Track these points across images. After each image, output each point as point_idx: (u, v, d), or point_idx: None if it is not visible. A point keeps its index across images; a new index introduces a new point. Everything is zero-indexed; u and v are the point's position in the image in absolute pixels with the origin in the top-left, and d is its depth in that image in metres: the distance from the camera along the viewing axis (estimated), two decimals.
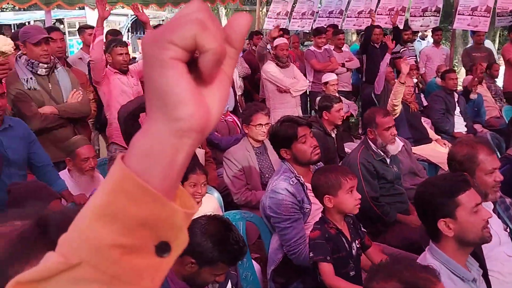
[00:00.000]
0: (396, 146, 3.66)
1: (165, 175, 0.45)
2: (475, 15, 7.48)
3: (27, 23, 15.25)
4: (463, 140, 2.78)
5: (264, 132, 3.89)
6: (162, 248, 0.46)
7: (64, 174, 3.52)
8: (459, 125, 5.87)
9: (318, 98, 4.95)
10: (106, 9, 4.53)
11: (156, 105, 0.44)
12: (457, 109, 5.90)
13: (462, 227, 1.91)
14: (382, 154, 3.65)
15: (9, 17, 15.85)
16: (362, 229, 2.84)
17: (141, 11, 4.95)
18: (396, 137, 4.30)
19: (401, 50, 7.96)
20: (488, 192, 2.43)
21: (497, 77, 7.18)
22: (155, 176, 0.44)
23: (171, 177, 0.45)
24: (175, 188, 0.47)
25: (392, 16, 7.54)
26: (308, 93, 7.33)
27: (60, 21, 15.44)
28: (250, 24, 0.48)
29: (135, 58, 8.26)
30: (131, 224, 0.44)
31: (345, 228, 2.58)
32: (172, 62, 0.43)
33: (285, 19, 9.95)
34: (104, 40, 4.64)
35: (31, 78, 3.75)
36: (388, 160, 3.68)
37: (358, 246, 2.60)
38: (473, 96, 6.26)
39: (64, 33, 13.95)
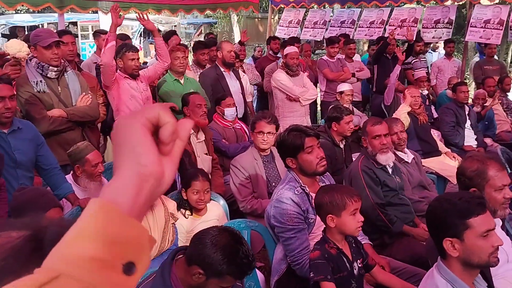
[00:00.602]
0: (387, 157, 3.61)
1: (132, 205, 0.57)
2: (488, 28, 7.44)
3: (40, 26, 15.39)
4: (474, 155, 2.74)
5: (265, 140, 3.87)
6: (129, 267, 0.55)
7: (68, 180, 3.53)
8: (470, 139, 5.82)
9: (330, 108, 4.94)
10: (120, 14, 4.55)
11: (127, 155, 0.59)
12: (468, 122, 5.86)
13: (468, 249, 1.88)
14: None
15: (25, 19, 16.01)
16: (366, 247, 2.81)
17: (146, 18, 4.94)
18: (406, 149, 4.29)
19: (413, 61, 7.93)
20: (497, 209, 2.40)
21: (509, 91, 7.11)
22: (125, 205, 0.56)
23: (136, 208, 0.58)
24: (141, 219, 0.59)
25: (406, 28, 7.54)
26: (320, 102, 7.34)
27: (74, 24, 15.57)
28: (192, 128, 0.70)
29: (146, 62, 8.31)
30: (106, 241, 0.53)
31: (347, 248, 2.55)
32: (142, 127, 0.60)
33: (296, 27, 9.97)
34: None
35: (40, 81, 3.78)
36: (390, 170, 3.66)
37: (360, 265, 2.56)
38: (476, 109, 6.25)
39: (77, 36, 14.07)
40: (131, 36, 16.29)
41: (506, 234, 2.50)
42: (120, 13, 4.54)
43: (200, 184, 3.19)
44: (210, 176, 4.39)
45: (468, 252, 1.88)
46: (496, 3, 7.83)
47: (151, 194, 0.59)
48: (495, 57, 8.58)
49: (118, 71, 4.50)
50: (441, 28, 8.23)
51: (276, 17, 11.73)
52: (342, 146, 4.67)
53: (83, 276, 0.50)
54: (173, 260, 2.13)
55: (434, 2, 8.72)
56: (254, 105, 8.04)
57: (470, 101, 6.54)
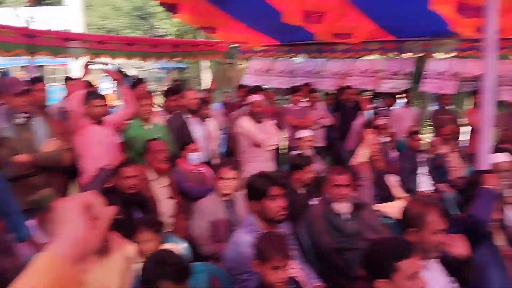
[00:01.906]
0: (342, 206, 3.74)
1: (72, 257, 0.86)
2: (442, 79, 7.88)
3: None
4: (418, 199, 2.95)
5: (226, 186, 4.01)
6: None
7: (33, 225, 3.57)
8: (424, 184, 6.06)
9: (291, 155, 5.11)
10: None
11: (65, 226, 0.91)
12: (422, 169, 6.12)
13: None
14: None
15: None
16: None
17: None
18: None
19: (382, 108, 8.27)
20: (431, 250, 2.59)
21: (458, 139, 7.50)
22: (67, 257, 0.85)
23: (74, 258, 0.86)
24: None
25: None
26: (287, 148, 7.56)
27: (40, 66, 15.58)
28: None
29: (114, 106, 8.40)
30: None
31: None
32: (78, 207, 0.93)
33: (263, 75, 10.29)
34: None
35: (8, 127, 3.87)
36: (346, 216, 3.80)
37: None
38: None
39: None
40: (104, 80, 16.44)
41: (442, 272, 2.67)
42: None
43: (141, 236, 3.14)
44: (174, 219, 4.48)
45: None
46: (449, 57, 8.30)
47: (83, 252, 0.88)
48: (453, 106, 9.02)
49: (84, 117, 4.61)
50: (399, 79, 8.66)
51: (246, 63, 12.06)
52: (303, 191, 4.80)
53: None
54: None
55: (393, 55, 9.18)
56: (223, 149, 8.18)
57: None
